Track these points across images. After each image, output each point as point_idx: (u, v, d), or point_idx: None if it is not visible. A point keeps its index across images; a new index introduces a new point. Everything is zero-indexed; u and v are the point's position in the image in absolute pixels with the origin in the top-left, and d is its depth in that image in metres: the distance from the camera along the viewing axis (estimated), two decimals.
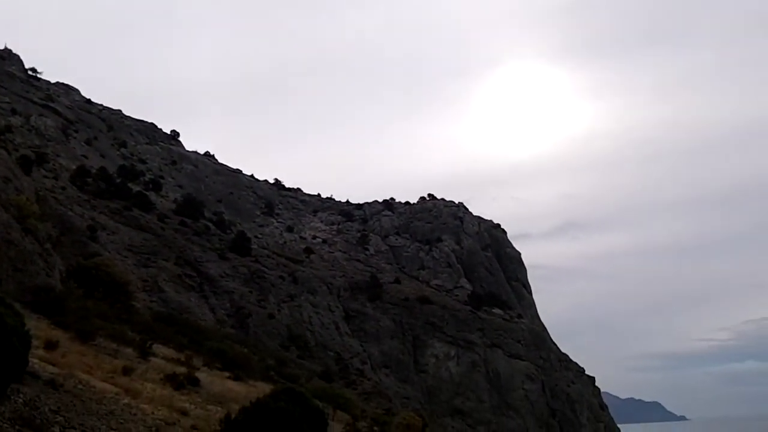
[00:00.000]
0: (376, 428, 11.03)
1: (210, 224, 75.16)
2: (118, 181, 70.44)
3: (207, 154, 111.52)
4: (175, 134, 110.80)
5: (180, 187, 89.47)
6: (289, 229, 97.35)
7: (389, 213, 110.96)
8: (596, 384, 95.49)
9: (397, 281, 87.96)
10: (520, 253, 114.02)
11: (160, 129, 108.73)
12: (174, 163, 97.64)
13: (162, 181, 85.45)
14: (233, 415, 9.51)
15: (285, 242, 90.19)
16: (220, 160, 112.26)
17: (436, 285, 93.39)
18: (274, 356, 47.04)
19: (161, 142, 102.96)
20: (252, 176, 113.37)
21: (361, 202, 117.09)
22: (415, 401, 67.65)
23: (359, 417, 26.32)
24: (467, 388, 75.73)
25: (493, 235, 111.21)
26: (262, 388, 20.48)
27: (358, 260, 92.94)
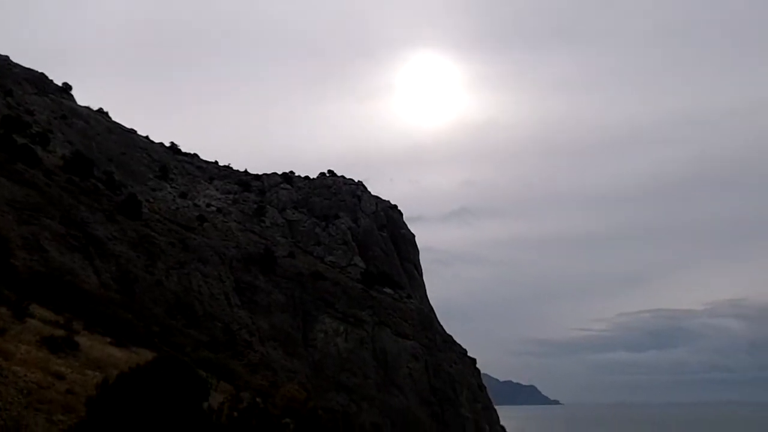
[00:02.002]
0: (259, 399, 11.04)
1: (99, 184, 72.37)
2: (1, 131, 66.68)
3: (100, 110, 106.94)
4: (66, 87, 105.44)
5: (69, 143, 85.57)
6: (183, 195, 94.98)
7: (288, 186, 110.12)
8: (477, 366, 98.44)
9: (292, 255, 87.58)
10: (414, 235, 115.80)
11: (51, 80, 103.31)
12: (64, 117, 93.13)
13: (50, 135, 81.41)
14: (111, 381, 9.26)
15: (178, 208, 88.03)
16: (113, 119, 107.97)
17: (330, 261, 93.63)
18: (159, 324, 46.01)
19: (51, 94, 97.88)
20: (147, 138, 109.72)
21: (260, 173, 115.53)
22: (301, 375, 67.81)
23: (243, 388, 26.17)
24: (354, 365, 76.51)
25: (389, 216, 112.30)
26: (145, 355, 20.03)
27: (253, 232, 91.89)
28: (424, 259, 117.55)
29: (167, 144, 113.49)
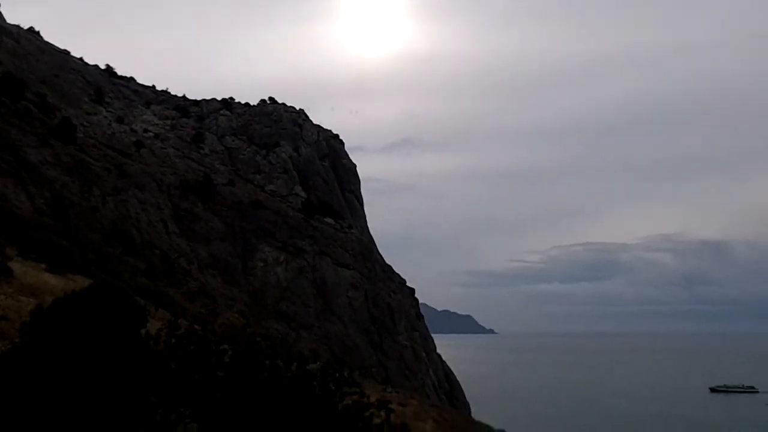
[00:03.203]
0: (197, 327, 11.11)
1: (32, 107, 69.77)
2: None
3: (31, 30, 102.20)
4: None
5: None
6: (119, 120, 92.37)
7: (227, 113, 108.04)
8: (415, 296, 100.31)
9: (231, 183, 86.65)
10: (355, 165, 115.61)
11: None
12: None
13: None
14: (46, 307, 9.19)
15: (114, 133, 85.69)
16: (45, 39, 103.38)
17: (271, 190, 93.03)
18: (96, 251, 45.37)
19: None
20: (81, 59, 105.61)
21: (199, 99, 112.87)
22: (240, 303, 68.05)
23: (181, 315, 26.21)
24: (293, 293, 77.08)
25: (330, 145, 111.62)
26: (81, 282, 19.82)
27: (192, 159, 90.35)
28: (365, 190, 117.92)
29: (102, 66, 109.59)
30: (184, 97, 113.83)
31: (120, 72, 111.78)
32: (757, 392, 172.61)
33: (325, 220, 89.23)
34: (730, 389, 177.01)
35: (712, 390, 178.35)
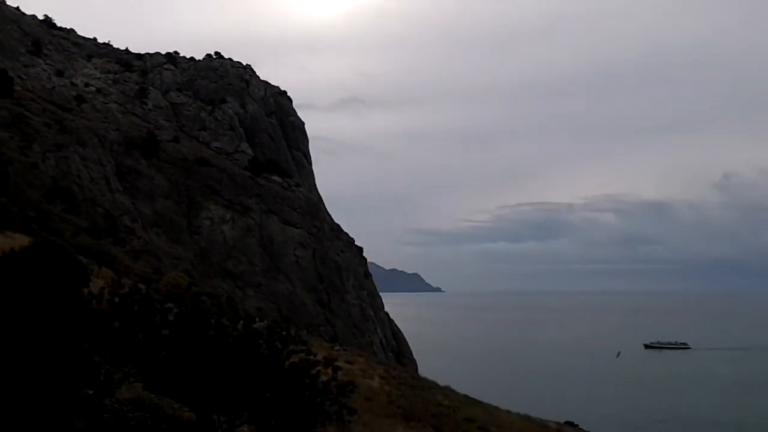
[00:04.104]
0: (141, 286, 10.99)
1: None
2: None
3: None
4: None
5: None
6: (59, 74, 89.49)
7: (172, 67, 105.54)
8: (364, 254, 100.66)
9: (176, 140, 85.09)
10: (303, 123, 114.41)
11: None
12: None
13: None
14: None
15: (54, 87, 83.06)
16: None
17: (217, 147, 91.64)
18: (36, 208, 44.30)
19: None
20: (18, 9, 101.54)
21: (142, 52, 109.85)
22: (186, 262, 67.43)
23: (125, 274, 25.86)
24: (240, 252, 76.63)
25: (278, 102, 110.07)
26: (21, 241, 19.35)
27: (135, 114, 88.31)
28: (314, 148, 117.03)
29: (41, 17, 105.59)
30: (126, 50, 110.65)
31: (59, 23, 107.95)
32: (690, 348, 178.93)
33: (273, 178, 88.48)
34: (663, 346, 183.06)
35: (647, 347, 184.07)
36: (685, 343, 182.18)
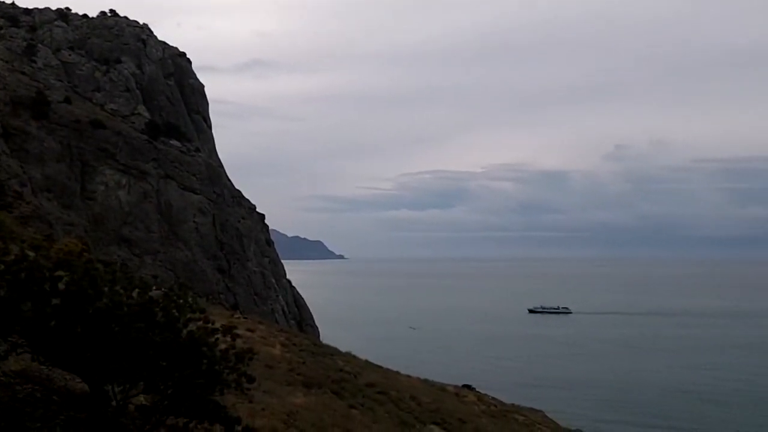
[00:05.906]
0: (30, 253, 10.50)
1: None
2: None
3: None
4: None
5: None
6: None
7: (63, 24, 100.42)
8: (266, 221, 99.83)
9: (68, 101, 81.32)
10: (203, 86, 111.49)
11: None
12: None
13: None
14: None
15: None
16: None
17: (112, 109, 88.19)
18: None
19: None
20: None
21: (30, 7, 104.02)
22: (79, 228, 65.02)
23: (11, 241, 24.67)
24: (136, 218, 74.50)
25: (177, 64, 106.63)
26: None
27: (23, 73, 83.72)
28: (216, 112, 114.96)
29: None
30: (13, 4, 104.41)
31: None
32: (571, 313, 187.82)
33: (171, 142, 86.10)
34: (546, 310, 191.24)
35: (531, 311, 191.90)
36: (566, 308, 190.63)
